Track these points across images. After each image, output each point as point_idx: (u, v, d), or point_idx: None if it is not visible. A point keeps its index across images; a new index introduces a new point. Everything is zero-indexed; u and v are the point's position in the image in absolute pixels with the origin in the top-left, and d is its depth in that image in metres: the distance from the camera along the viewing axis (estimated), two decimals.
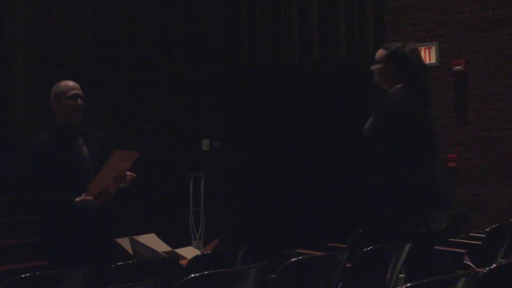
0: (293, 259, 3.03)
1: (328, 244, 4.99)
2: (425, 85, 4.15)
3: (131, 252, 4.14)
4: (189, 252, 4.31)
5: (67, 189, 4.15)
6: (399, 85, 4.07)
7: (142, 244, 4.07)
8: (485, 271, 2.46)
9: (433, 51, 7.99)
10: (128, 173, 4.20)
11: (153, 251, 4.03)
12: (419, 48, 4.18)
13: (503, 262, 2.61)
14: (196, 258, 3.67)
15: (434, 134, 4.13)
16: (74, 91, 4.30)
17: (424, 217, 3.85)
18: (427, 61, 8.01)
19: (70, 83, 4.35)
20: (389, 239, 3.72)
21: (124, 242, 4.19)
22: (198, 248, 7.60)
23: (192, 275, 2.68)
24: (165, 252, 4.15)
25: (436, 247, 4.09)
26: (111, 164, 4.07)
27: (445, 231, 4.05)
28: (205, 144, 9.65)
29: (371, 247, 3.39)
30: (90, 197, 4.08)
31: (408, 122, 3.95)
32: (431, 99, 4.18)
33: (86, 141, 4.32)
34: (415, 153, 3.93)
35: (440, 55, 7.96)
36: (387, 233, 3.83)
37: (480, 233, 5.22)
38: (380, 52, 4.19)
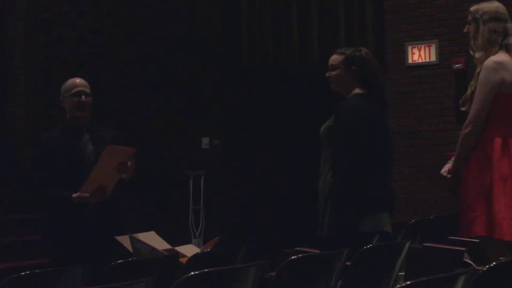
0: (292, 257, 3.03)
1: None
2: (382, 88, 4.18)
3: (130, 250, 4.13)
4: (189, 250, 4.30)
5: (69, 186, 4.16)
6: (358, 91, 4.09)
7: (142, 242, 4.07)
8: (485, 269, 2.46)
9: (433, 49, 7.98)
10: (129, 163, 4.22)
11: (153, 249, 4.03)
12: (369, 51, 4.23)
13: (503, 260, 2.61)
14: (195, 256, 3.67)
15: (387, 139, 4.18)
16: (78, 88, 4.32)
17: (371, 219, 3.96)
18: (427, 60, 8.02)
19: (77, 80, 4.38)
20: (341, 240, 3.82)
21: (124, 240, 4.19)
22: (198, 246, 7.60)
23: (192, 273, 2.68)
24: (165, 250, 4.14)
25: (436, 245, 4.10)
26: (105, 160, 4.07)
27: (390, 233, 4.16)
28: (205, 142, 9.65)
29: (370, 245, 3.39)
30: (87, 194, 4.09)
31: (365, 130, 3.98)
32: (387, 103, 4.23)
33: (93, 138, 4.33)
34: (368, 160, 3.99)
35: (440, 53, 7.95)
36: (338, 233, 3.95)
37: None
38: (337, 58, 4.17)
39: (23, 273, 3.10)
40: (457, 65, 7.76)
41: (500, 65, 3.96)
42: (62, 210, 4.20)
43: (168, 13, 9.71)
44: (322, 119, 4.37)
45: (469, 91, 4.06)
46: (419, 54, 8.05)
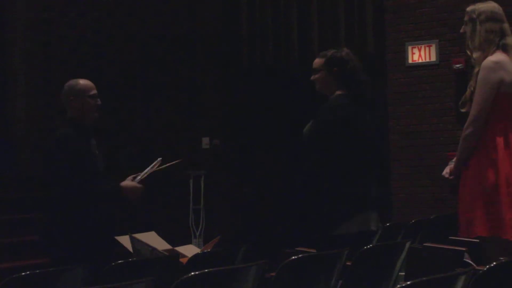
0: (293, 257, 3.03)
1: None
2: (365, 89, 4.21)
3: (131, 250, 4.14)
4: (189, 250, 4.31)
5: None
6: (340, 92, 4.13)
7: (142, 242, 4.07)
8: (485, 269, 2.46)
9: (433, 49, 7.98)
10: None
11: (153, 249, 4.03)
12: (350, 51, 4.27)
13: (503, 260, 2.61)
14: (196, 256, 3.67)
15: (369, 139, 4.18)
16: (95, 91, 4.40)
17: (354, 219, 3.99)
18: (427, 59, 8.01)
19: (89, 82, 4.42)
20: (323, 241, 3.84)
21: (124, 240, 4.19)
22: (198, 246, 7.60)
23: (192, 273, 2.68)
24: (165, 250, 4.14)
25: (436, 245, 4.10)
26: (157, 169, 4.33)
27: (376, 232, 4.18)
28: (205, 142, 9.65)
29: (371, 245, 3.39)
30: (140, 185, 4.27)
31: (344, 129, 4.01)
32: (370, 103, 4.25)
33: (98, 142, 4.41)
34: (348, 160, 4.01)
35: (440, 53, 7.95)
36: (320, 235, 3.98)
37: None
38: (318, 61, 4.26)
39: (23, 273, 3.10)
40: (457, 65, 7.75)
41: (498, 65, 3.97)
42: (72, 211, 4.21)
43: (168, 13, 9.70)
44: None
45: (468, 92, 4.07)
46: (419, 54, 8.04)
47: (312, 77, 4.29)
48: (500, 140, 3.95)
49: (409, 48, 8.10)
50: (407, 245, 3.55)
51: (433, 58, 7.97)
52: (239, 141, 9.70)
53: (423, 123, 8.03)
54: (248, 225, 9.48)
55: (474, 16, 4.07)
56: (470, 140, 3.98)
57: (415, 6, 8.12)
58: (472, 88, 4.02)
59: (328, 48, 4.42)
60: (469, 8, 4.13)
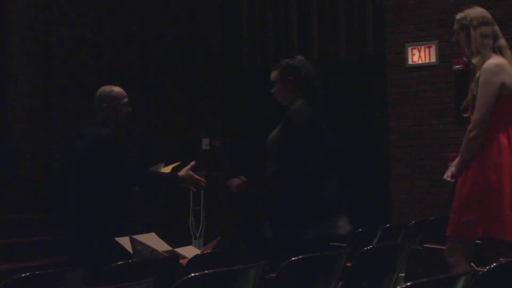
0: (293, 258, 3.03)
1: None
2: (320, 94, 4.23)
3: (131, 251, 4.13)
4: (189, 251, 4.31)
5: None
6: (299, 101, 4.14)
7: (142, 243, 4.07)
8: (485, 270, 2.46)
9: (433, 50, 7.98)
10: None
11: (153, 250, 4.03)
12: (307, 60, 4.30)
13: (503, 261, 2.62)
14: (196, 257, 3.68)
15: (329, 144, 4.21)
16: (127, 99, 4.55)
17: (319, 224, 4.01)
18: (427, 60, 8.01)
19: (122, 90, 4.58)
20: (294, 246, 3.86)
21: (124, 241, 4.19)
22: (198, 247, 7.60)
23: (192, 274, 2.68)
24: (165, 252, 4.14)
25: (436, 246, 4.11)
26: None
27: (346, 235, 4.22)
28: (205, 143, 9.64)
29: (371, 246, 3.40)
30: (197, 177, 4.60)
31: (309, 138, 4.06)
32: (324, 108, 4.28)
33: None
34: (313, 166, 4.06)
35: (440, 54, 7.95)
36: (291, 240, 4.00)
37: None
38: (274, 73, 4.34)
39: (23, 275, 3.10)
40: (457, 66, 7.76)
41: (499, 68, 3.98)
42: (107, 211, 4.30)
43: (168, 13, 9.70)
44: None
45: (470, 96, 4.06)
46: (419, 55, 8.04)
47: (272, 90, 4.33)
48: (502, 141, 3.95)
49: (409, 49, 8.10)
50: (408, 246, 3.55)
51: (433, 59, 7.97)
52: (239, 142, 9.70)
53: (423, 124, 8.03)
54: (248, 226, 9.47)
55: (466, 22, 4.09)
56: (474, 143, 3.98)
57: (415, 7, 8.12)
58: (474, 92, 4.01)
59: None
60: (458, 16, 4.15)
